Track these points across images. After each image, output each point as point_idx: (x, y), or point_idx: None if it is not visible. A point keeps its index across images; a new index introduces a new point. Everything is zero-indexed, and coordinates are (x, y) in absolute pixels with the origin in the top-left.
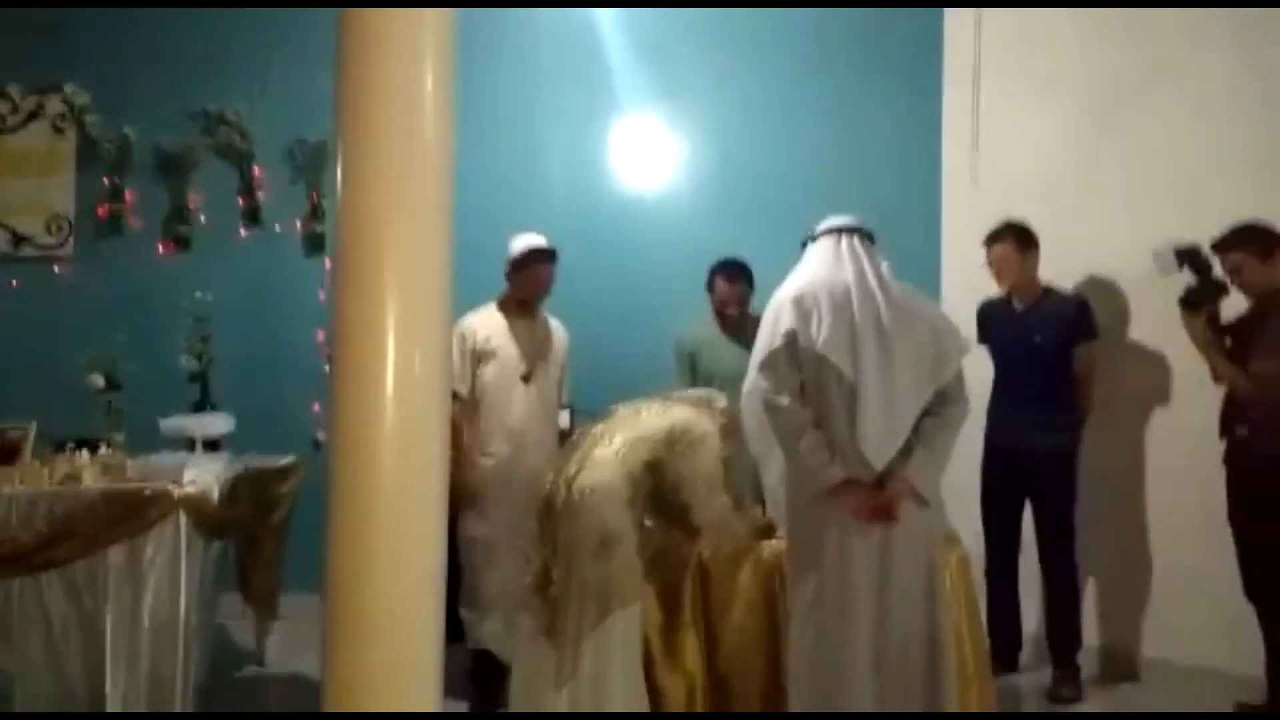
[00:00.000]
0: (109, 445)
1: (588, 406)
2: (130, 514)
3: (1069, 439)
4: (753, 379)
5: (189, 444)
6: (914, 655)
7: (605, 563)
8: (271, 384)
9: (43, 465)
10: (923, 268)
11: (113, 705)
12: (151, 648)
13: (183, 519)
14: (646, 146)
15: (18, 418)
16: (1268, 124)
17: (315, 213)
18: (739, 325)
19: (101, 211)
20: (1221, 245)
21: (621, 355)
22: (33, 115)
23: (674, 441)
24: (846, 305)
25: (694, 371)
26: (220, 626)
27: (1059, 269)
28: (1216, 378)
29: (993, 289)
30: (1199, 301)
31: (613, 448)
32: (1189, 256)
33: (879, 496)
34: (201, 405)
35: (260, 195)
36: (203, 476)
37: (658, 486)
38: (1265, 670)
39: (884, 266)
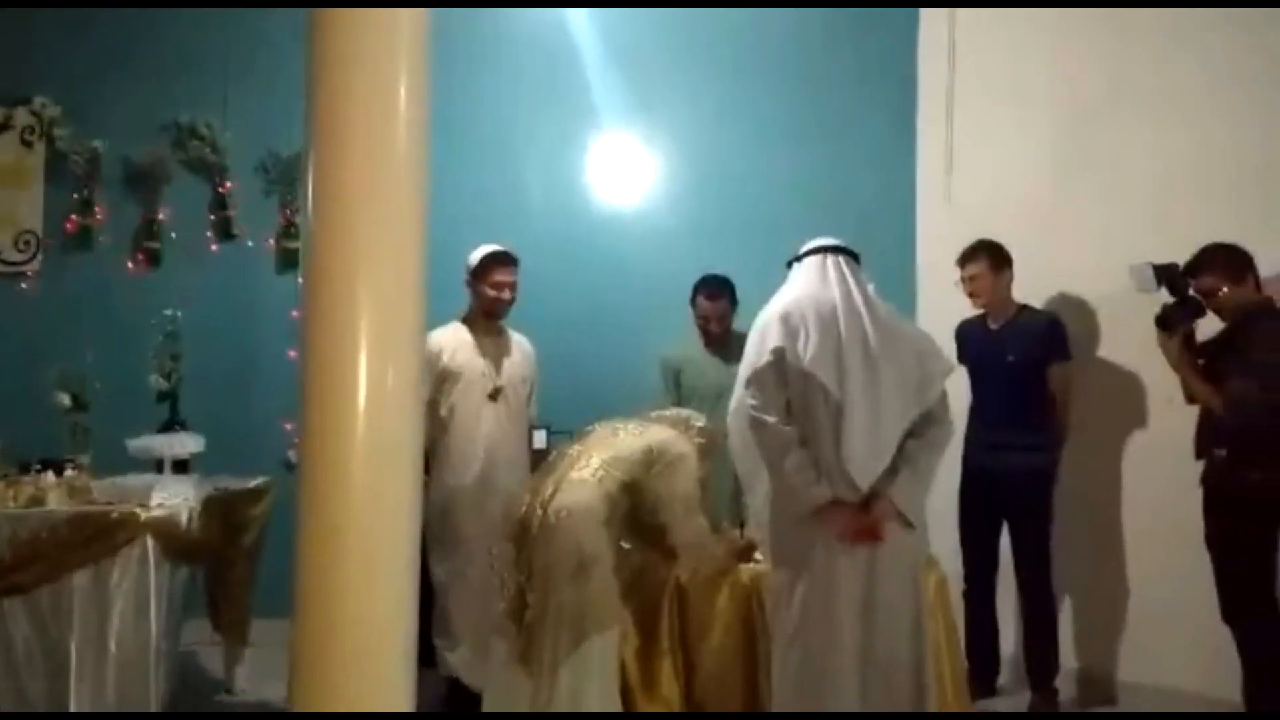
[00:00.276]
0: (75, 466)
1: (566, 425)
2: (96, 537)
3: (1044, 459)
4: (739, 396)
5: (157, 465)
6: (899, 679)
7: (582, 585)
8: (242, 404)
9: (7, 487)
10: (899, 285)
11: None
12: (117, 675)
13: (150, 542)
14: (623, 162)
15: None
16: (1241, 141)
17: (288, 230)
18: (722, 341)
19: (71, 226)
20: (1194, 267)
21: (600, 372)
22: (1, 128)
23: (651, 462)
24: (833, 324)
25: (678, 387)
26: (188, 653)
27: (1034, 288)
28: (1189, 398)
29: (969, 307)
30: (1175, 321)
31: (589, 468)
32: (1167, 275)
33: (864, 518)
34: (170, 425)
35: (232, 210)
36: (171, 499)
37: (635, 507)
38: (1243, 694)
39: (870, 287)
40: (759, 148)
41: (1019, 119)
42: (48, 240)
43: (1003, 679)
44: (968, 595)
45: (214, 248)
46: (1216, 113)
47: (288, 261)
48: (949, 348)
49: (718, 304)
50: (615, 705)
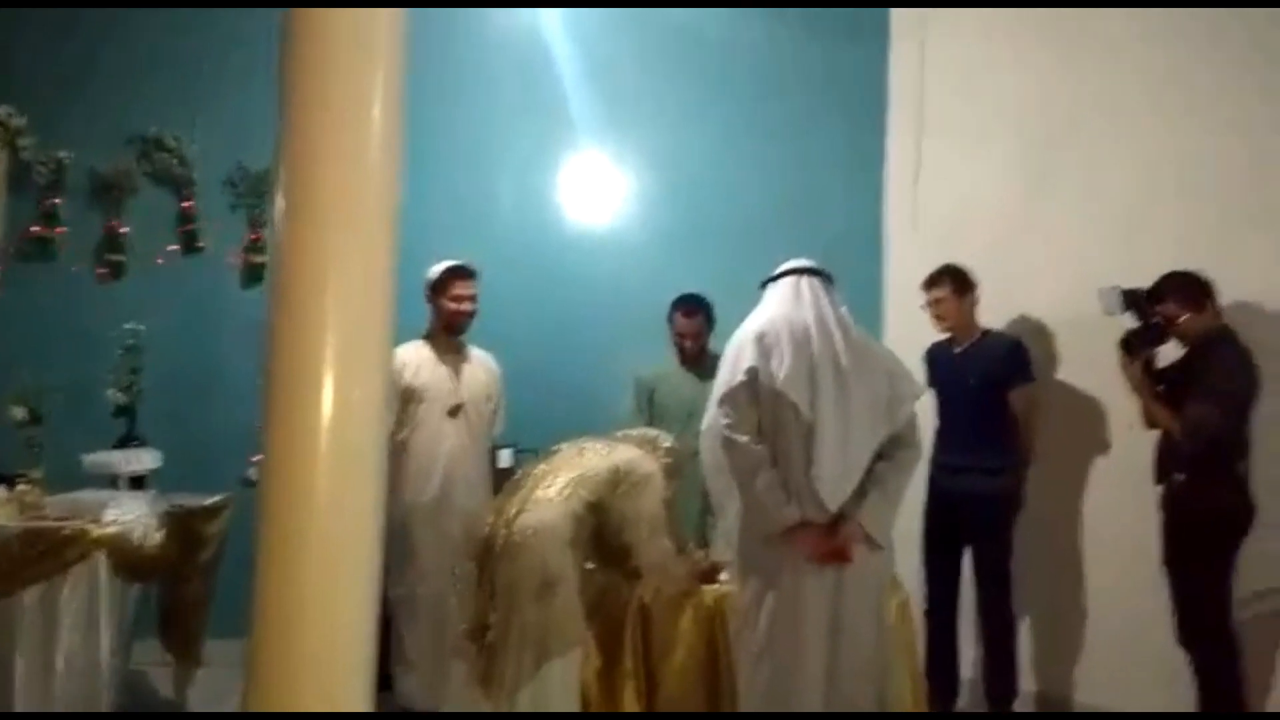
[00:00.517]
0: (28, 481)
1: (533, 444)
2: (48, 554)
3: (1004, 482)
4: (712, 414)
5: (113, 481)
6: (862, 699)
7: (546, 605)
8: (203, 420)
9: None
10: (867, 306)
11: None
12: (64, 694)
13: (102, 559)
14: (595, 180)
15: None
16: (1207, 163)
17: (254, 244)
18: (697, 359)
19: (32, 236)
20: (1154, 294)
21: (568, 390)
22: None
23: (618, 482)
24: (806, 344)
25: (651, 406)
26: (138, 673)
27: (1000, 312)
28: (1149, 423)
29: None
30: (1139, 345)
31: (555, 488)
32: (1134, 299)
33: (833, 540)
34: (128, 440)
35: (198, 223)
36: (125, 515)
37: (601, 527)
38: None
39: (843, 309)
40: (731, 166)
41: (988, 134)
42: (9, 249)
43: (961, 701)
44: (929, 616)
45: (179, 261)
46: (1184, 135)
47: (253, 276)
48: (917, 371)
49: (694, 321)
50: None
